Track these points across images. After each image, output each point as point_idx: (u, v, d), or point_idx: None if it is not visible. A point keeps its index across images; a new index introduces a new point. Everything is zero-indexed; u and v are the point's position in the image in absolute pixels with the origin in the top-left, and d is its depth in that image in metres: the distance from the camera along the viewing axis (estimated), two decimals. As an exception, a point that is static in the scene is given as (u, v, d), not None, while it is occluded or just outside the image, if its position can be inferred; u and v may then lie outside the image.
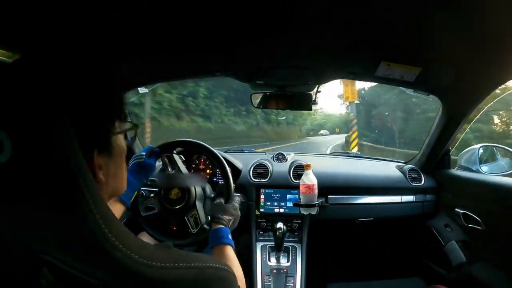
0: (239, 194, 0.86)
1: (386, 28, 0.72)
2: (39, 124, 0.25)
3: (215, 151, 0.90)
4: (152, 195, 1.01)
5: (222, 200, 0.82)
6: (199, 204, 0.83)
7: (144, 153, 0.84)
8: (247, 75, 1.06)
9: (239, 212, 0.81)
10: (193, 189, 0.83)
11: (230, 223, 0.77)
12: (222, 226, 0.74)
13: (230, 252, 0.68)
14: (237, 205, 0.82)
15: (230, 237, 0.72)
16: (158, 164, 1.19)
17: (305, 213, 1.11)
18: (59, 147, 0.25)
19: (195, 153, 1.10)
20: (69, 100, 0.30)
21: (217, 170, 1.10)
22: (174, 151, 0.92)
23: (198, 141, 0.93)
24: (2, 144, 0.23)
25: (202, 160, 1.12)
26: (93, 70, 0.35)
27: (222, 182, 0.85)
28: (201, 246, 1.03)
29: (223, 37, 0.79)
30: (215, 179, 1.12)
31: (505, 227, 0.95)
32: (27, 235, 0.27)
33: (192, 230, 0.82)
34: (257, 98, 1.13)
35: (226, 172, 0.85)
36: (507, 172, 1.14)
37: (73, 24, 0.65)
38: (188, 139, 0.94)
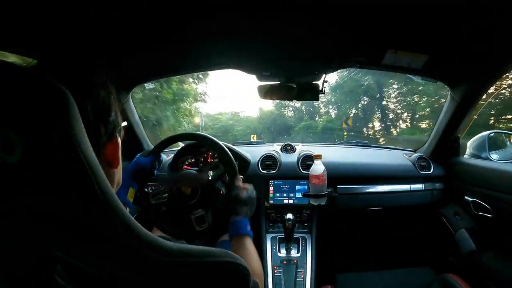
0: (249, 184, 0.86)
1: (391, 16, 0.71)
2: (48, 124, 0.25)
3: (219, 141, 0.89)
4: (162, 188, 1.01)
5: (235, 192, 0.81)
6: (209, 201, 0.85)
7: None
8: (253, 67, 1.06)
9: (254, 200, 0.81)
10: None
11: (248, 210, 0.77)
12: (241, 217, 0.74)
13: (248, 242, 0.69)
14: (250, 191, 0.81)
15: (249, 228, 0.73)
16: (167, 159, 1.20)
17: (314, 204, 1.11)
18: (70, 146, 0.25)
19: (202, 147, 1.10)
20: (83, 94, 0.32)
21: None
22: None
23: (200, 133, 0.92)
24: (13, 144, 0.23)
25: (210, 154, 1.12)
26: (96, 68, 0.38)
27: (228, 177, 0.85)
28: (210, 242, 1.03)
29: (227, 31, 0.79)
30: None
31: None
32: (40, 232, 0.27)
33: (201, 227, 0.83)
34: (263, 89, 1.12)
35: (231, 161, 0.83)
36: (517, 159, 1.13)
37: (74, 23, 0.66)
38: (191, 132, 0.94)
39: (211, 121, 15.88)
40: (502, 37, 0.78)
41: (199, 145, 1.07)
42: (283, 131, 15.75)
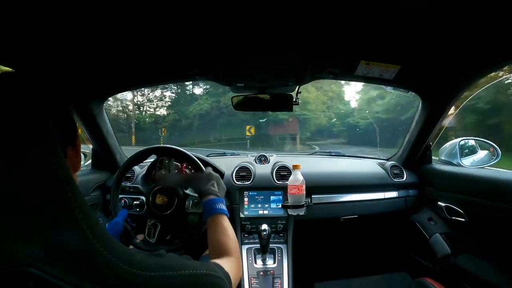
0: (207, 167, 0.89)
1: (363, 28, 0.72)
2: (28, 135, 0.25)
3: (188, 152, 0.92)
4: (135, 202, 0.99)
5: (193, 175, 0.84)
6: (187, 202, 0.87)
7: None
8: (227, 78, 1.05)
9: (217, 174, 0.82)
10: (179, 191, 0.86)
11: (216, 187, 0.76)
12: (212, 196, 0.73)
13: (223, 221, 0.67)
14: (210, 169, 0.84)
15: (221, 206, 0.70)
16: (141, 171, 1.18)
17: (293, 214, 1.10)
18: (47, 160, 0.25)
19: (173, 159, 1.09)
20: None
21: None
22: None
23: (168, 146, 0.94)
24: None
25: (184, 166, 1.11)
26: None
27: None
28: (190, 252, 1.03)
29: (203, 43, 0.79)
30: None
31: (486, 218, 0.97)
32: (13, 248, 0.26)
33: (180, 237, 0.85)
34: (237, 101, 1.12)
35: (188, 155, 0.89)
36: (487, 164, 1.16)
37: (50, 37, 0.66)
38: (159, 146, 0.94)
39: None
40: (470, 50, 0.80)
41: (170, 157, 1.06)
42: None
